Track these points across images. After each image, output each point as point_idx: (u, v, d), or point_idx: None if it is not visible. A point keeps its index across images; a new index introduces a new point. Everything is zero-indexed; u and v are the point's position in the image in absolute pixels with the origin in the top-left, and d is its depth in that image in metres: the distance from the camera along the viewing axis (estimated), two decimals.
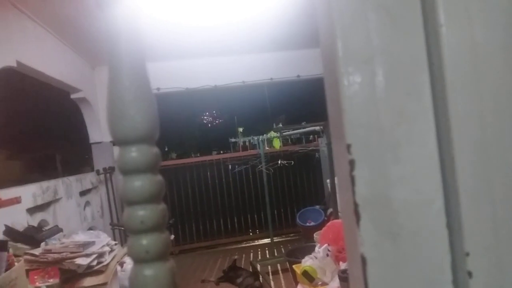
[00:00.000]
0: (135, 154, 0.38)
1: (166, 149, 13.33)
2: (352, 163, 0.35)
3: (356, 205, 0.34)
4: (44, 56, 3.49)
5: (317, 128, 4.23)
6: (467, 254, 0.35)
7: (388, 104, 0.35)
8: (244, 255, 5.09)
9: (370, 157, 0.35)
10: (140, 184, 0.38)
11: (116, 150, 5.17)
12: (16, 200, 2.99)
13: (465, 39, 0.35)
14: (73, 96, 4.45)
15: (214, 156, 6.35)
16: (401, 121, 0.35)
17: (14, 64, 2.96)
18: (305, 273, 2.60)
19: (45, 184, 3.47)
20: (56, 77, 3.66)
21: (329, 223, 2.97)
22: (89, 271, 2.58)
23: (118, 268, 2.92)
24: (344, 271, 2.31)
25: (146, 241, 0.38)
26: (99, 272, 2.63)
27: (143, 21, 0.40)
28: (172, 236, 4.58)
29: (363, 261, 0.34)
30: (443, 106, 0.35)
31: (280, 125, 4.39)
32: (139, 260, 0.38)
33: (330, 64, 0.37)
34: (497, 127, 0.35)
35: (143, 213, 0.38)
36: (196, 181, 5.82)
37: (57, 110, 5.84)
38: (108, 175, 4.79)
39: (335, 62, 0.35)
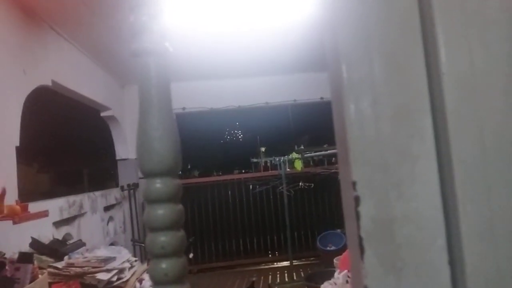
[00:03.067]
0: (159, 185, 0.42)
1: (189, 167, 13.51)
2: (357, 199, 0.37)
3: (360, 239, 0.36)
4: (77, 76, 3.67)
5: None
6: None
7: (393, 145, 0.37)
8: (262, 277, 5.03)
9: (374, 194, 0.37)
10: (163, 212, 0.42)
11: None
12: (44, 214, 3.10)
13: (466, 86, 0.37)
14: (103, 114, 4.63)
15: (236, 176, 6.39)
16: (405, 161, 0.37)
17: (50, 83, 3.14)
18: None
19: (71, 198, 3.59)
20: (87, 95, 3.83)
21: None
22: (109, 286, 2.62)
23: (137, 284, 2.95)
24: None
25: (165, 265, 0.41)
26: (119, 287, 2.67)
27: (170, 54, 0.44)
28: (191, 255, 4.59)
29: None
30: (445, 147, 0.37)
31: (302, 147, 4.39)
32: (158, 282, 0.41)
33: (337, 103, 0.40)
34: (499, 167, 0.36)
35: (164, 239, 0.41)
36: (217, 200, 5.85)
37: (86, 127, 6.06)
38: (132, 191, 4.90)
39: (342, 103, 0.38)
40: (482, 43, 0.37)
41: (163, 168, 0.42)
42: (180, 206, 0.44)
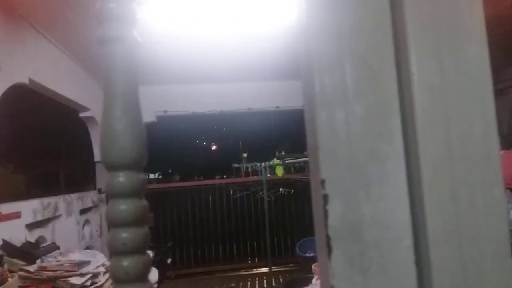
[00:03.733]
0: (122, 179, 0.41)
1: (170, 171, 13.38)
2: (325, 197, 0.37)
3: (328, 238, 0.36)
4: (56, 75, 3.59)
5: None
6: None
7: (362, 144, 0.37)
8: (241, 283, 4.99)
9: (343, 193, 0.37)
10: (125, 207, 0.40)
11: None
12: (16, 215, 3.01)
13: (435, 87, 0.37)
14: (81, 114, 4.53)
15: (217, 180, 6.35)
16: (373, 161, 0.37)
17: (26, 81, 3.05)
18: None
19: (46, 200, 3.49)
20: (66, 95, 3.75)
21: None
22: None
23: None
24: None
25: (126, 263, 0.40)
26: None
27: (142, 51, 0.43)
28: (170, 260, 4.53)
29: None
30: (414, 148, 0.37)
31: (283, 153, 4.41)
32: (119, 281, 0.40)
33: (308, 103, 0.40)
34: (465, 169, 0.37)
35: (125, 236, 0.40)
36: (197, 205, 5.80)
37: (64, 127, 5.93)
38: None
39: (313, 102, 0.38)
40: (451, 46, 0.37)
41: (126, 161, 0.41)
42: (144, 202, 0.42)
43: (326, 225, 0.36)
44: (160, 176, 12.84)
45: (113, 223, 0.40)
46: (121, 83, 0.41)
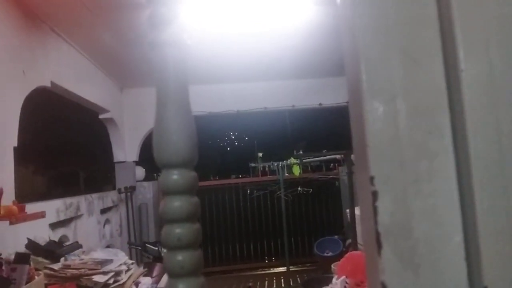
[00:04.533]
0: (176, 177, 0.42)
1: None
2: (375, 194, 0.37)
3: (378, 234, 0.36)
4: (76, 78, 3.67)
5: (338, 156, 4.22)
6: None
7: (410, 141, 0.37)
8: (259, 283, 5.00)
9: (392, 189, 0.37)
10: (179, 204, 0.42)
11: (138, 170, 5.25)
12: (41, 215, 3.08)
13: (484, 83, 0.37)
14: (101, 116, 4.61)
15: (233, 180, 6.38)
16: (423, 157, 0.37)
17: (49, 84, 3.13)
18: None
19: (68, 200, 3.57)
20: (86, 97, 3.82)
21: (347, 254, 2.92)
22: None
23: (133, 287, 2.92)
24: None
25: (181, 257, 0.41)
26: None
27: (188, 54, 0.44)
28: None
29: None
30: (463, 144, 0.37)
31: (301, 152, 4.40)
32: (174, 275, 0.41)
33: (355, 101, 0.40)
34: None
35: (180, 231, 0.41)
36: (214, 205, 5.83)
37: (84, 129, 6.04)
38: (129, 194, 4.88)
39: (361, 100, 0.38)
40: (500, 41, 0.37)
41: (179, 159, 0.42)
42: (196, 199, 0.44)
43: (375, 221, 0.36)
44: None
45: (168, 219, 0.42)
46: (173, 84, 0.43)
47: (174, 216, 0.42)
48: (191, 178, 0.43)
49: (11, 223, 2.22)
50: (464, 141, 0.37)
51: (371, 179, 0.37)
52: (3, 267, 2.00)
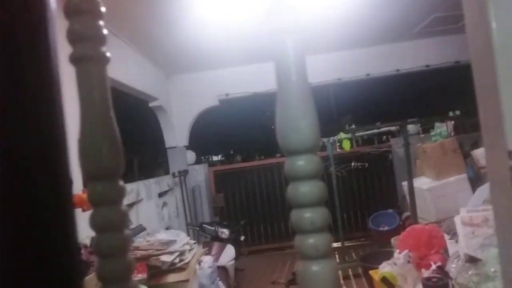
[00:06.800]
0: (303, 162, 0.42)
1: (232, 152, 13.71)
2: None
3: None
4: (126, 69, 3.79)
5: (392, 128, 4.07)
6: None
7: None
8: None
9: None
10: (308, 189, 0.42)
11: (189, 154, 5.40)
12: None
13: None
14: (151, 104, 4.76)
15: (280, 159, 6.38)
16: None
17: None
18: (384, 280, 2.53)
19: (129, 186, 3.75)
20: (136, 87, 3.95)
21: (408, 228, 2.85)
22: (172, 268, 2.74)
23: (197, 266, 3.07)
24: (428, 279, 2.20)
25: (315, 240, 0.41)
26: (181, 269, 2.78)
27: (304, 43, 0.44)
28: (243, 237, 4.69)
29: None
30: None
31: (353, 126, 4.29)
32: (309, 257, 0.41)
33: (483, 67, 0.37)
34: None
35: (311, 215, 0.41)
36: (263, 184, 5.90)
37: (136, 118, 6.28)
38: (182, 177, 5.05)
39: (492, 65, 0.35)
40: None
41: (305, 145, 0.42)
42: (322, 183, 0.44)
43: None
44: (223, 158, 13.22)
45: (298, 204, 0.42)
46: (294, 70, 0.42)
47: (305, 201, 0.42)
48: (316, 163, 0.43)
49: (83, 211, 2.38)
50: None
51: (510, 153, 0.34)
52: (82, 251, 2.16)
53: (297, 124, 0.42)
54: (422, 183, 3.55)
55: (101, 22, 0.53)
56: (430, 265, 2.26)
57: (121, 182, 0.53)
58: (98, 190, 0.49)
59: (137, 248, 2.72)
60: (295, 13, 0.42)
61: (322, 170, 0.44)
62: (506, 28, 0.33)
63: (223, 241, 4.03)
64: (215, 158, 13.60)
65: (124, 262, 0.49)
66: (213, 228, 4.20)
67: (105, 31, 0.53)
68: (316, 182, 0.43)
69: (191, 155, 5.42)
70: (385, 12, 3.85)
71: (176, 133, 5.21)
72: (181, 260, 2.79)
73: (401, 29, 4.41)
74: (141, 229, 3.22)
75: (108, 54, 0.55)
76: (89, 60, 0.52)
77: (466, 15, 0.38)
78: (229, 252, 3.93)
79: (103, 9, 0.54)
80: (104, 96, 0.52)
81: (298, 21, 0.43)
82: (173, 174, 4.93)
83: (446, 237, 2.48)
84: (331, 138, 4.23)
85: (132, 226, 3.49)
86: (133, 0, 3.09)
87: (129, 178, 5.76)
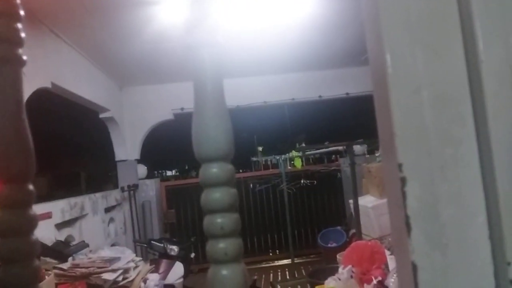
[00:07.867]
0: (216, 170, 0.45)
1: (187, 168, 13.51)
2: (403, 180, 0.40)
3: (407, 217, 0.39)
4: (76, 78, 3.67)
5: (339, 148, 4.25)
6: (509, 264, 0.39)
7: (436, 129, 0.40)
8: (264, 275, 5.05)
9: (419, 175, 0.40)
10: (220, 195, 0.45)
11: (140, 168, 5.25)
12: (47, 215, 3.11)
13: (504, 72, 0.39)
14: (101, 115, 4.62)
15: (235, 175, 6.39)
16: (448, 145, 0.40)
17: (49, 85, 3.13)
18: None
19: (73, 200, 3.59)
20: (87, 97, 3.83)
21: (353, 244, 2.95)
22: (115, 286, 2.63)
23: (142, 284, 2.96)
24: None
25: (224, 245, 0.44)
26: (124, 287, 2.68)
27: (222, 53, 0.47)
28: (193, 254, 4.60)
29: (414, 268, 0.38)
30: (485, 131, 0.40)
31: (303, 144, 4.43)
32: (219, 261, 0.44)
33: (381, 93, 0.42)
34: None
35: (222, 220, 0.44)
36: None
37: (85, 129, 6.04)
38: (132, 192, 4.90)
39: (387, 92, 0.40)
40: None
41: (219, 153, 0.45)
42: (234, 190, 0.47)
43: (405, 205, 0.39)
44: (177, 173, 13.00)
45: (210, 210, 0.44)
46: (210, 84, 0.45)
47: (216, 207, 0.44)
48: (229, 171, 0.46)
49: None
50: (485, 128, 0.40)
51: (400, 166, 0.39)
52: None
53: (209, 133, 0.45)
54: (367, 201, 3.71)
55: (19, 25, 0.54)
56: (372, 280, 2.35)
57: (30, 186, 0.53)
58: (5, 193, 0.48)
59: (77, 266, 2.59)
60: (212, 30, 0.45)
61: (235, 178, 0.47)
62: (399, 58, 0.39)
63: (172, 259, 3.93)
64: (169, 173, 13.33)
65: (30, 268, 0.49)
66: (162, 245, 4.09)
67: (22, 34, 0.54)
68: (228, 189, 0.46)
69: (142, 169, 5.29)
70: (336, 40, 4.06)
71: (127, 146, 5.08)
72: (124, 278, 2.68)
73: (351, 55, 4.67)
74: (83, 245, 3.07)
75: (24, 57, 0.56)
76: (5, 62, 0.52)
77: (368, 47, 0.43)
78: (178, 270, 3.83)
79: (21, 12, 0.55)
80: (17, 97, 0.52)
81: (215, 35, 0.46)
82: (122, 189, 4.78)
83: (387, 252, 2.60)
84: (283, 156, 4.33)
85: (74, 242, 3.33)
86: (88, 11, 3.03)
87: (74, 192, 5.49)
